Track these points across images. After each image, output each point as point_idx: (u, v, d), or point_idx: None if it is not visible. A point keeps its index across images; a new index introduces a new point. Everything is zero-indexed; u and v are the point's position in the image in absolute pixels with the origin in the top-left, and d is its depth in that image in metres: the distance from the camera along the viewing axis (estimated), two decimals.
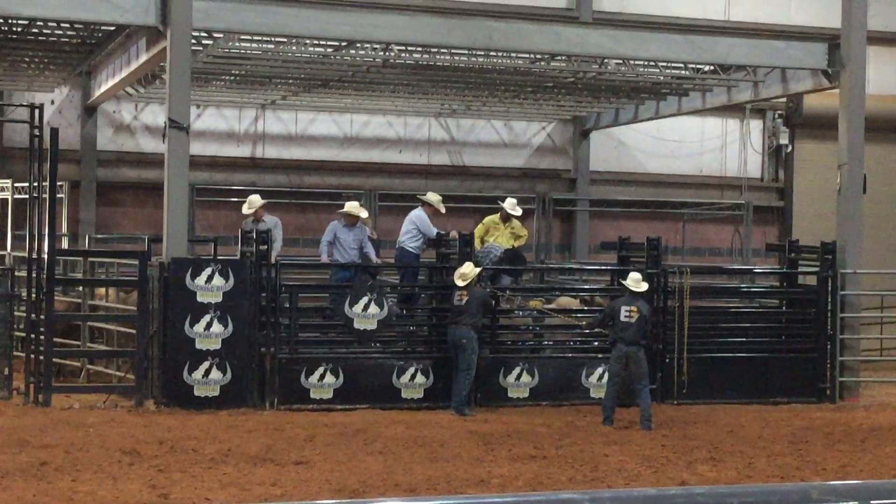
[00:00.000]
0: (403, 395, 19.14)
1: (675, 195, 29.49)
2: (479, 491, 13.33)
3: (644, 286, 18.23)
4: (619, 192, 29.44)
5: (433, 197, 21.00)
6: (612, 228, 27.87)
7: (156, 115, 26.03)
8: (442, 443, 16.00)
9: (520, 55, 22.00)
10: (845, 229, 21.27)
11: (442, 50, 21.55)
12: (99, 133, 26.51)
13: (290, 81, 24.58)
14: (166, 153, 18.80)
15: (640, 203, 29.31)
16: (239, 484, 13.24)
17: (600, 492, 7.90)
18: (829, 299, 21.01)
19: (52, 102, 26.00)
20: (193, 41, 19.76)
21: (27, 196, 19.01)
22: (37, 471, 13.51)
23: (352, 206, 20.49)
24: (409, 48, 21.44)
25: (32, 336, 18.34)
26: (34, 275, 18.34)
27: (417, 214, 20.77)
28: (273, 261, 19.10)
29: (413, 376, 19.18)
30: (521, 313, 21.13)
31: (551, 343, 20.96)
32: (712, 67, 23.12)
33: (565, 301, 21.31)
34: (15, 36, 21.44)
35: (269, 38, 20.87)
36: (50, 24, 20.70)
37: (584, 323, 19.97)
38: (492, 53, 21.82)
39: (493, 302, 19.52)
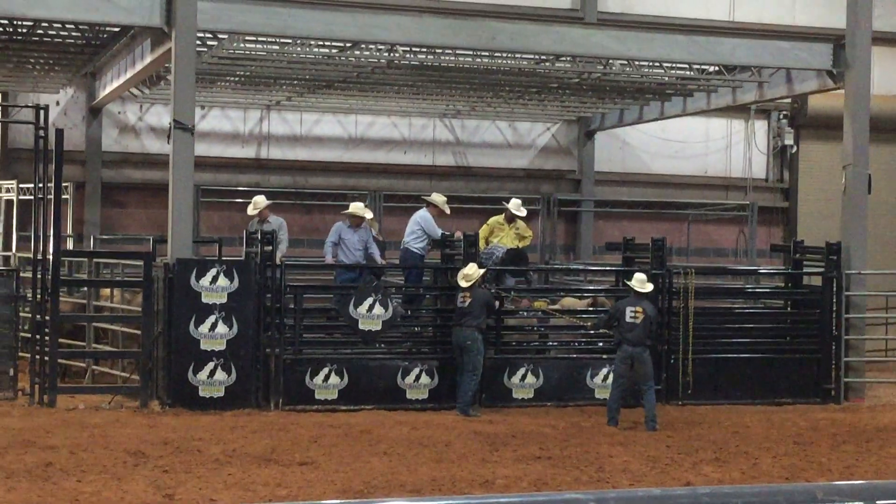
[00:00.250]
0: (408, 395, 19.15)
1: (680, 196, 29.48)
2: (483, 491, 13.33)
3: (649, 287, 18.23)
4: (623, 192, 29.43)
5: (438, 198, 21.02)
6: (617, 229, 27.88)
7: (161, 116, 26.05)
8: (447, 443, 16.01)
9: (524, 56, 22.00)
10: (850, 230, 21.26)
11: (447, 51, 21.55)
12: (104, 134, 26.53)
13: (295, 82, 24.59)
14: (171, 154, 18.80)
15: (645, 204, 29.30)
16: (244, 484, 13.24)
17: (605, 492, 7.89)
18: (834, 300, 21.00)
19: (58, 103, 26.01)
20: (198, 42, 19.77)
21: (32, 197, 19.02)
22: (42, 471, 13.52)
23: (356, 207, 20.50)
24: (414, 49, 21.44)
25: (37, 337, 18.35)
26: (39, 276, 18.36)
27: (422, 215, 20.79)
28: (278, 262, 19.11)
29: (418, 377, 19.18)
30: (525, 314, 21.13)
31: (556, 344, 20.97)
32: (717, 68, 23.11)
33: (569, 302, 21.29)
34: (20, 37, 21.46)
35: (273, 40, 20.88)
36: (55, 25, 20.72)
37: (589, 324, 19.96)
38: (496, 54, 21.82)
39: (498, 303, 19.51)
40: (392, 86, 24.84)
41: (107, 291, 21.08)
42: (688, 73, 23.41)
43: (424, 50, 21.50)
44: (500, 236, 21.41)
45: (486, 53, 21.71)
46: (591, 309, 20.87)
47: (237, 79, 24.17)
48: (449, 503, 8.24)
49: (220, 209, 26.80)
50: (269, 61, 22.23)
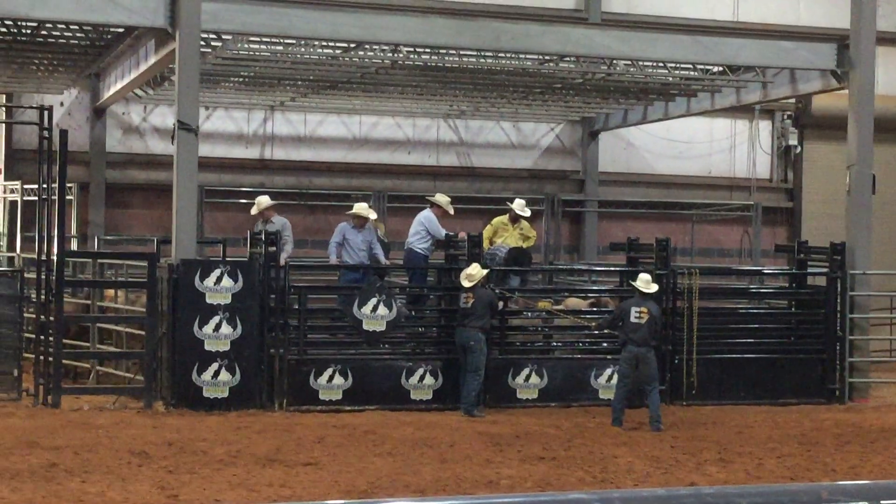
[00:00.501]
0: (412, 396, 19.15)
1: (684, 196, 29.47)
2: (488, 492, 13.33)
3: (654, 287, 18.22)
4: (627, 193, 29.43)
5: (442, 198, 21.02)
6: (621, 229, 27.86)
7: (165, 116, 26.05)
8: (451, 444, 16.01)
9: (528, 56, 22.00)
10: (854, 230, 21.24)
11: (451, 51, 21.55)
12: (108, 135, 26.54)
13: (299, 83, 24.59)
14: (175, 155, 18.81)
15: (649, 204, 29.29)
16: (248, 485, 13.25)
17: (609, 492, 7.90)
18: (839, 300, 20.98)
19: (62, 104, 26.02)
20: (202, 43, 19.77)
21: (36, 198, 19.03)
22: (46, 472, 13.53)
23: (360, 208, 20.51)
24: (418, 49, 21.44)
25: (42, 338, 18.37)
26: (43, 276, 18.37)
27: (426, 216, 20.79)
28: (282, 262, 19.12)
29: (422, 378, 19.18)
30: (529, 314, 21.12)
31: (560, 344, 20.97)
32: (721, 68, 23.10)
33: (573, 302, 21.29)
34: (24, 38, 21.47)
35: (277, 40, 20.89)
36: (59, 26, 20.73)
37: (593, 324, 19.96)
38: (500, 54, 21.82)
39: (501, 303, 19.51)
40: (396, 86, 24.85)
41: (111, 292, 21.08)
42: (692, 73, 23.41)
43: (428, 50, 21.50)
44: (504, 237, 21.42)
45: (490, 54, 21.72)
46: (594, 309, 20.87)
47: (241, 79, 24.18)
48: (453, 503, 8.24)
49: (224, 210, 26.80)
50: (273, 62, 22.23)
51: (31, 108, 20.35)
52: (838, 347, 20.96)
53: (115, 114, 26.61)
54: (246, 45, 21.13)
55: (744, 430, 17.88)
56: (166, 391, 18.39)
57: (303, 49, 21.27)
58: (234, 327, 18.29)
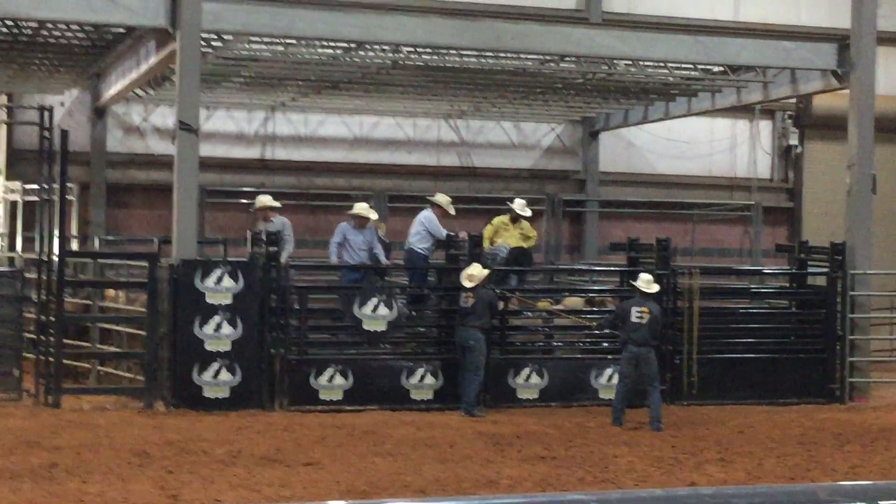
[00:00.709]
0: (413, 396, 19.15)
1: (685, 196, 29.47)
2: (488, 492, 13.34)
3: (655, 287, 18.23)
4: (628, 192, 29.43)
5: (442, 198, 21.02)
6: (622, 229, 27.87)
7: (165, 116, 26.06)
8: (451, 444, 16.01)
9: (529, 56, 22.00)
10: (855, 230, 21.25)
11: (451, 51, 21.55)
12: (109, 135, 26.55)
13: (300, 83, 24.60)
14: (176, 155, 18.82)
15: (650, 204, 29.29)
16: (248, 485, 13.26)
17: (608, 493, 7.91)
18: (839, 300, 20.99)
19: (62, 105, 26.03)
20: (203, 43, 19.78)
21: (37, 198, 19.04)
22: (47, 472, 13.54)
23: (361, 208, 20.52)
24: (419, 50, 21.44)
25: (42, 338, 18.38)
26: (44, 276, 18.38)
27: (427, 216, 20.80)
28: (283, 262, 19.13)
29: (422, 378, 19.18)
30: (530, 314, 21.13)
31: (561, 344, 20.97)
32: (722, 68, 23.11)
33: (572, 302, 21.29)
34: (25, 39, 21.48)
35: (278, 40, 20.89)
36: (60, 26, 20.73)
37: (594, 324, 19.96)
38: (501, 55, 21.82)
39: (502, 303, 19.51)
40: (397, 86, 24.85)
41: (111, 292, 21.09)
42: (692, 73, 23.41)
43: (429, 50, 21.51)
44: (505, 237, 21.42)
45: (491, 54, 21.72)
46: (594, 309, 20.88)
47: (242, 80, 24.18)
48: (453, 503, 8.25)
49: (225, 210, 26.81)
50: (274, 62, 22.24)
51: (32, 108, 20.37)
52: (839, 347, 20.97)
53: (116, 114, 26.62)
54: (247, 46, 21.14)
55: (744, 429, 17.88)
56: (167, 391, 18.39)
57: (304, 49, 21.28)
58: (235, 327, 18.31)
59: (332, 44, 21.08)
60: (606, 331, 19.42)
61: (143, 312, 18.77)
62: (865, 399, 21.15)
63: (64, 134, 18.43)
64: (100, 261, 21.21)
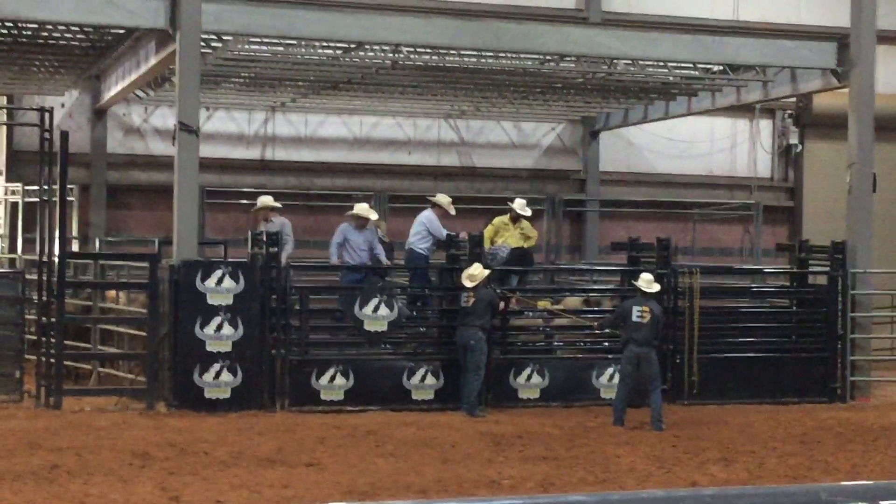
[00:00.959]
0: (414, 396, 19.15)
1: (685, 195, 29.48)
2: (489, 492, 13.33)
3: (656, 287, 18.23)
4: (628, 192, 29.43)
5: (443, 198, 21.02)
6: (622, 229, 27.87)
7: (165, 117, 26.07)
8: (452, 444, 16.01)
9: (529, 56, 22.01)
10: (855, 229, 21.24)
11: (451, 51, 21.55)
12: (109, 136, 26.57)
13: (300, 83, 24.60)
14: (176, 156, 18.81)
15: (650, 203, 29.30)
16: (250, 486, 13.26)
17: (609, 494, 7.91)
18: (840, 299, 20.98)
19: (62, 106, 26.05)
20: (203, 44, 19.78)
21: (37, 199, 19.04)
22: (48, 474, 13.54)
23: (361, 208, 20.51)
24: (419, 50, 21.45)
25: (43, 339, 18.37)
26: (44, 278, 18.38)
27: (427, 216, 20.79)
28: (283, 263, 19.13)
29: (423, 378, 19.18)
30: (531, 314, 21.12)
31: (562, 344, 20.97)
32: (721, 67, 23.11)
33: (571, 302, 21.28)
34: (25, 40, 21.47)
35: (278, 41, 20.89)
36: (60, 27, 20.72)
37: (595, 324, 19.95)
38: (501, 54, 21.83)
39: (504, 303, 19.49)
40: (397, 86, 24.85)
41: (112, 293, 21.09)
42: (692, 72, 23.41)
43: (429, 50, 21.51)
44: (505, 236, 21.42)
45: (491, 54, 21.72)
46: (595, 308, 20.88)
47: (242, 80, 24.19)
48: None
49: (226, 210, 26.83)
50: (274, 63, 22.25)
51: (32, 109, 20.35)
52: (840, 346, 20.97)
53: (116, 115, 26.63)
54: (246, 46, 21.13)
55: (745, 429, 17.88)
56: (168, 392, 18.39)
57: (303, 50, 21.28)
58: (236, 328, 18.30)
59: (331, 44, 21.08)
60: (607, 330, 19.41)
61: (144, 313, 18.76)
62: (867, 398, 21.15)
63: (64, 135, 18.42)
64: (100, 262, 21.18)
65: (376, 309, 19.00)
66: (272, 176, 27.42)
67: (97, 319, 20.40)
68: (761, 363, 20.76)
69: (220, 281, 18.27)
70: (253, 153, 27.42)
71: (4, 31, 20.99)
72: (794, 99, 28.04)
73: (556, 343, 21.01)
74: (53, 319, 18.21)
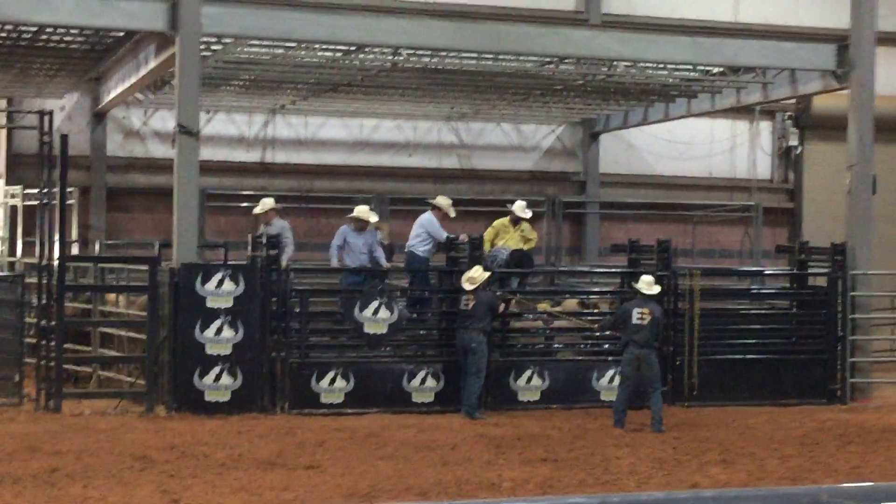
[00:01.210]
0: (414, 398, 19.15)
1: (685, 197, 29.47)
2: (490, 494, 13.33)
3: (656, 289, 18.23)
4: (628, 194, 29.42)
5: (443, 200, 21.02)
6: (622, 231, 27.86)
7: (165, 120, 26.06)
8: (453, 446, 16.01)
9: (529, 58, 22.01)
10: (855, 230, 21.25)
11: (451, 53, 21.55)
12: (108, 139, 26.56)
13: (300, 86, 24.61)
14: (176, 158, 18.82)
15: (650, 205, 29.29)
16: (250, 489, 13.25)
17: (609, 496, 7.90)
18: (840, 300, 20.98)
19: (62, 109, 26.05)
20: (203, 46, 19.79)
21: (37, 202, 19.04)
22: (48, 477, 13.53)
23: (361, 211, 20.51)
24: (419, 52, 21.45)
25: (43, 342, 18.37)
26: (44, 281, 18.37)
27: (427, 218, 20.79)
28: (284, 265, 19.13)
29: (424, 380, 19.17)
30: (531, 316, 21.11)
31: (562, 346, 20.97)
32: (721, 69, 23.12)
33: (571, 304, 21.28)
34: (24, 43, 21.47)
35: (278, 43, 20.89)
36: (59, 30, 20.72)
37: (595, 326, 19.95)
38: (501, 56, 21.83)
39: (504, 305, 19.49)
40: (397, 89, 24.86)
41: (112, 296, 21.09)
42: (692, 74, 23.43)
43: (429, 53, 21.51)
44: (506, 239, 21.41)
45: (491, 56, 21.73)
46: (594, 311, 20.88)
47: (242, 83, 24.19)
48: None
49: (226, 213, 26.82)
50: (274, 65, 22.25)
51: (32, 112, 20.35)
52: (840, 348, 20.97)
53: (116, 118, 26.62)
54: (246, 49, 21.14)
55: (745, 430, 17.88)
56: (168, 395, 18.38)
57: (303, 52, 21.28)
58: (236, 331, 18.30)
59: (331, 46, 21.09)
60: (607, 332, 19.41)
61: (144, 316, 18.76)
62: (867, 399, 21.14)
63: (64, 138, 18.42)
64: (100, 265, 21.18)
65: (376, 311, 19.00)
66: (272, 178, 27.41)
67: (97, 323, 20.40)
68: (761, 365, 20.76)
69: (220, 284, 18.27)
70: (253, 156, 27.42)
71: (4, 34, 20.99)
72: (793, 100, 28.04)
73: (556, 345, 21.01)
74: (53, 323, 18.21)
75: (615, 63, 22.40)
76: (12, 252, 24.01)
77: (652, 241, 21.01)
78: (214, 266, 18.76)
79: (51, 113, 19.07)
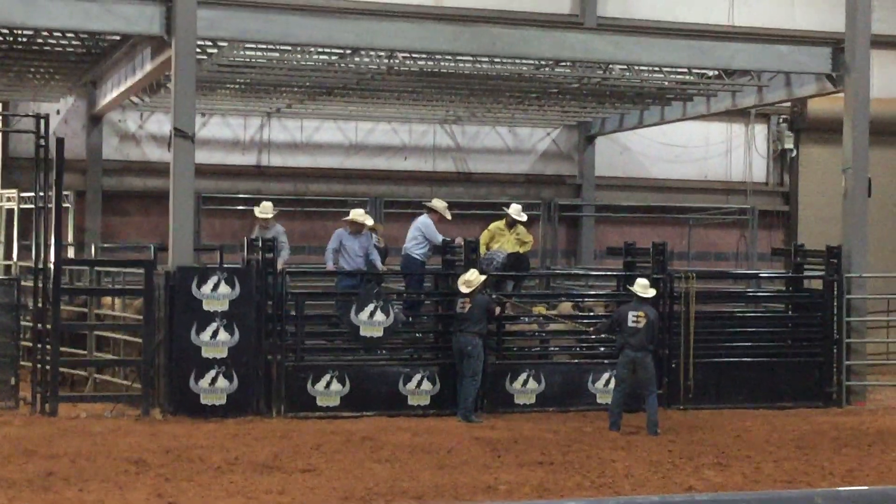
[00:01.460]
0: (410, 402, 19.16)
1: (681, 200, 29.48)
2: (486, 498, 13.33)
3: (651, 292, 18.25)
4: (624, 197, 29.43)
5: (439, 203, 21.03)
6: (618, 234, 27.88)
7: (161, 123, 26.05)
8: (449, 449, 16.01)
9: (524, 61, 22.01)
10: (851, 233, 21.28)
11: (446, 57, 21.55)
12: (104, 142, 26.54)
13: (295, 89, 24.60)
14: (172, 162, 18.82)
15: (646, 208, 29.30)
16: (246, 492, 13.25)
17: (605, 500, 7.92)
18: (835, 303, 21.01)
19: (58, 112, 26.03)
20: (198, 50, 19.79)
21: (33, 206, 19.04)
22: (43, 481, 13.53)
23: (357, 214, 20.51)
24: (414, 55, 21.45)
25: (39, 346, 18.36)
26: (40, 284, 18.37)
27: (423, 221, 20.79)
28: (279, 269, 19.13)
29: (419, 383, 19.19)
30: (527, 319, 21.12)
31: (558, 349, 20.98)
32: (717, 72, 23.12)
33: (567, 308, 21.29)
34: (20, 46, 21.47)
35: (273, 47, 20.89)
36: (55, 34, 20.71)
37: (591, 329, 19.97)
38: (496, 60, 21.84)
39: (500, 309, 19.49)
40: (392, 92, 24.86)
41: (108, 300, 21.09)
42: (687, 77, 23.42)
43: (424, 56, 21.51)
44: (501, 242, 21.41)
45: (486, 59, 21.73)
46: (590, 313, 20.89)
47: (237, 86, 24.19)
48: None
49: (222, 216, 26.81)
50: (270, 68, 22.24)
51: (28, 116, 20.35)
52: (835, 350, 21.00)
53: (112, 121, 26.61)
54: (242, 52, 21.13)
55: (741, 433, 17.89)
56: (164, 398, 18.39)
57: (299, 55, 21.28)
58: (232, 334, 18.30)
59: (327, 50, 21.08)
60: (603, 335, 19.42)
61: (140, 319, 18.76)
62: (862, 402, 21.17)
63: (59, 142, 18.42)
64: (96, 268, 21.18)
65: (372, 315, 19.01)
66: (268, 182, 27.40)
67: (93, 326, 20.40)
68: (757, 368, 20.79)
69: (215, 287, 18.27)
70: (249, 159, 27.42)
71: (0, 38, 20.98)
72: (789, 104, 28.06)
73: (552, 348, 21.02)
74: (49, 326, 18.21)
75: (611, 66, 22.41)
76: (8, 255, 24.00)
77: (647, 243, 21.04)
78: (210, 269, 18.78)
79: (47, 116, 19.06)
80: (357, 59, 21.47)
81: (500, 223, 21.71)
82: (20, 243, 23.29)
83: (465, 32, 20.46)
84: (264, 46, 20.93)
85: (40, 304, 18.38)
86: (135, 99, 24.72)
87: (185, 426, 17.42)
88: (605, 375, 19.72)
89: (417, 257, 20.63)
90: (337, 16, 20.08)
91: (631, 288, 18.44)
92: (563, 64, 22.22)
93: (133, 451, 15.28)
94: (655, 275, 19.99)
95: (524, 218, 21.72)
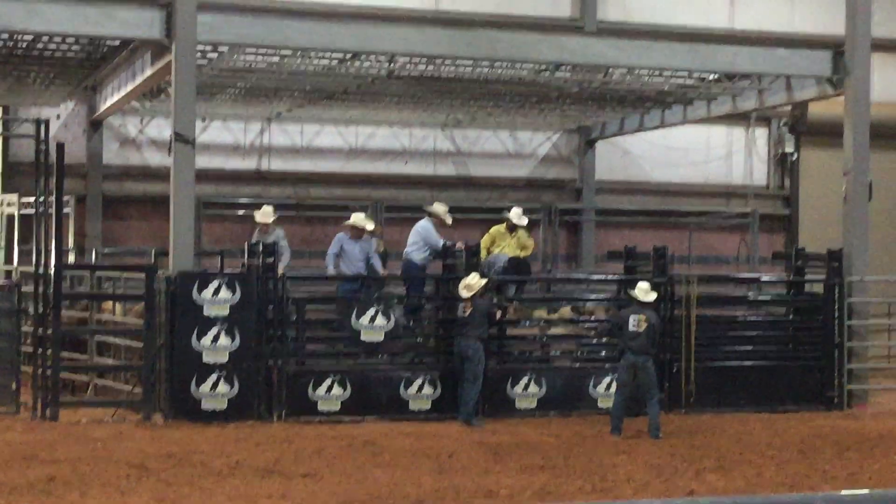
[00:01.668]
0: (411, 406, 19.15)
1: (681, 204, 29.47)
2: (487, 502, 13.33)
3: (652, 296, 18.23)
4: (624, 201, 29.42)
5: (439, 208, 21.03)
6: (619, 238, 27.87)
7: (161, 128, 26.02)
8: (450, 454, 16.00)
9: (524, 65, 22.00)
10: (852, 236, 21.28)
11: (447, 61, 21.56)
12: (105, 147, 26.53)
13: (296, 94, 24.60)
14: (172, 167, 18.82)
15: (646, 212, 29.29)
16: (247, 497, 13.24)
17: (607, 503, 7.91)
18: (837, 307, 21.00)
19: (58, 117, 26.02)
20: (198, 55, 19.79)
21: (33, 211, 19.03)
22: (45, 486, 13.52)
23: (357, 218, 20.52)
24: (414, 60, 21.45)
25: (39, 351, 18.36)
26: (41, 289, 18.36)
27: (423, 225, 20.79)
28: (280, 273, 19.13)
29: (420, 388, 19.18)
30: (527, 323, 21.12)
31: (559, 353, 20.97)
32: (717, 76, 23.12)
33: (568, 312, 21.28)
34: (20, 51, 21.47)
35: (274, 51, 20.88)
36: (55, 39, 20.70)
37: (592, 333, 19.94)
38: (496, 64, 21.83)
39: (501, 313, 19.48)
40: (392, 96, 24.86)
41: (108, 305, 21.08)
42: (688, 81, 23.41)
43: (425, 60, 21.51)
44: (502, 246, 21.42)
45: (487, 63, 21.72)
46: (591, 318, 20.89)
47: (238, 91, 24.18)
48: None
49: (222, 221, 26.80)
50: (270, 73, 22.23)
51: (28, 120, 20.33)
52: (836, 354, 20.98)
53: (112, 126, 26.60)
54: (242, 57, 21.12)
55: (743, 437, 17.88)
56: (164, 403, 18.38)
57: (299, 60, 21.28)
58: (233, 339, 18.30)
59: (327, 54, 21.08)
60: (605, 339, 19.41)
61: (140, 324, 18.75)
62: (864, 406, 21.16)
63: (60, 146, 18.42)
64: (97, 273, 21.17)
65: (373, 319, 19.01)
66: (268, 186, 27.40)
67: (93, 331, 20.39)
68: (758, 372, 20.78)
69: (216, 292, 18.27)
70: (249, 163, 27.41)
71: (0, 43, 20.98)
72: (789, 107, 28.05)
73: (553, 352, 21.01)
74: (50, 331, 18.20)
75: (611, 70, 22.41)
76: (9, 260, 23.99)
77: (648, 248, 21.04)
78: (211, 274, 18.78)
79: (47, 121, 19.06)
80: (357, 63, 21.46)
81: (501, 227, 21.71)
82: (21, 248, 23.28)
83: (466, 37, 20.47)
84: (264, 51, 20.92)
85: (41, 310, 18.37)
86: (135, 104, 24.72)
87: (186, 431, 17.41)
88: (607, 379, 19.70)
89: (418, 262, 20.64)
90: (337, 20, 20.07)
91: (632, 292, 18.42)
92: (564, 68, 22.20)
93: (134, 455, 15.27)
94: (656, 279, 19.98)
95: (525, 222, 21.73)
